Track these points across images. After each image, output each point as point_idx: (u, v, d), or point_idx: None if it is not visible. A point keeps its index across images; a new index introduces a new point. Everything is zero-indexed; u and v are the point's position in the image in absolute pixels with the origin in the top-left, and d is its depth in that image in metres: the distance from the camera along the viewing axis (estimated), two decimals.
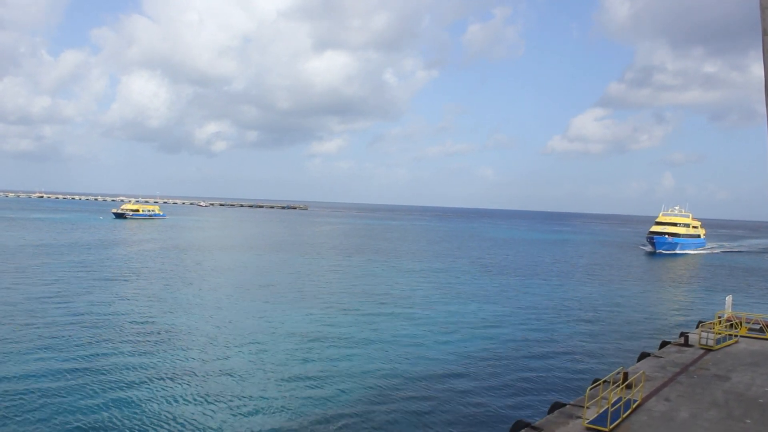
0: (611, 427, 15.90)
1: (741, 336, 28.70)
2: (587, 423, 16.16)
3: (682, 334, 29.29)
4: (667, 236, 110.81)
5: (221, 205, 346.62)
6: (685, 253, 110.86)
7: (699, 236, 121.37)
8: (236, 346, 30.01)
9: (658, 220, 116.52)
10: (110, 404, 21.05)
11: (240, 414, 20.76)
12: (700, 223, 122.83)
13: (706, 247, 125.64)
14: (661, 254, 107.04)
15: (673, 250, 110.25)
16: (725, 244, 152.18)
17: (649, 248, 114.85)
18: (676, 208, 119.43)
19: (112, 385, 23.15)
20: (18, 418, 19.45)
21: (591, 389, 18.17)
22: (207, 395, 22.52)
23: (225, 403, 21.81)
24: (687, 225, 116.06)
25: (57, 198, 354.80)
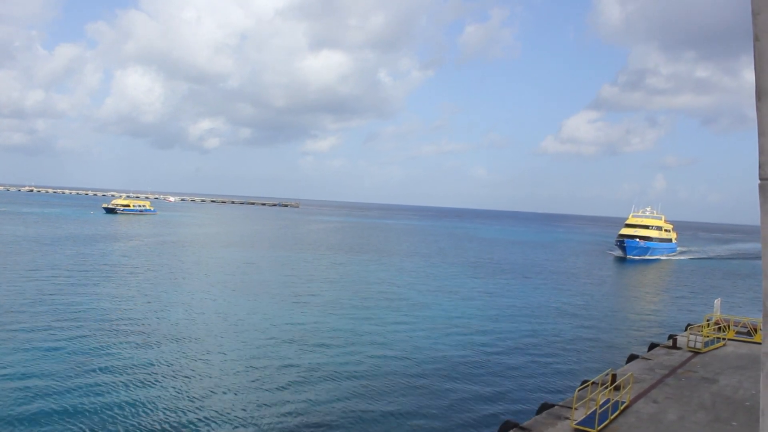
0: (599, 428, 15.96)
1: (729, 339, 28.90)
2: (575, 424, 16.22)
3: (670, 337, 29.46)
4: (638, 240, 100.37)
5: (212, 201, 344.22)
6: (658, 259, 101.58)
7: (671, 240, 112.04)
8: (225, 344, 29.90)
9: (628, 222, 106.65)
10: (95, 401, 20.92)
11: (229, 413, 20.69)
12: (672, 226, 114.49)
13: (677, 251, 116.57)
14: (632, 260, 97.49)
15: (644, 255, 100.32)
16: (698, 249, 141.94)
17: (618, 253, 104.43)
18: (648, 209, 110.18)
19: (98, 381, 23.01)
20: (6, 417, 19.30)
21: (579, 390, 18.24)
22: (194, 393, 22.42)
23: (214, 401, 21.73)
24: (659, 228, 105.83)
25: (47, 192, 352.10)
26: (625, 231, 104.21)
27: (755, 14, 3.07)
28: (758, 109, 3.14)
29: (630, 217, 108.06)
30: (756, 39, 3.07)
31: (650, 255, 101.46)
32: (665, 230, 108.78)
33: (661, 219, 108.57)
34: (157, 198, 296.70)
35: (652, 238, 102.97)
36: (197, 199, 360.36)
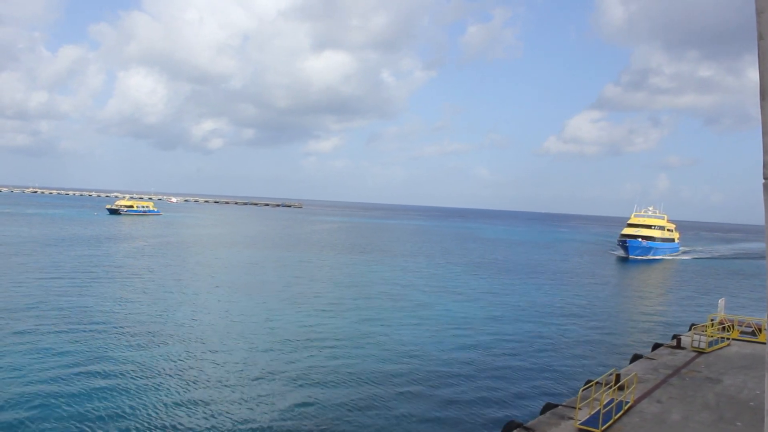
0: (603, 428, 15.94)
1: (733, 339, 28.82)
2: (579, 424, 16.20)
3: (674, 337, 29.42)
4: (641, 240, 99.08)
5: (216, 202, 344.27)
6: (660, 259, 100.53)
7: (673, 240, 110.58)
8: (230, 344, 29.94)
9: (630, 221, 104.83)
10: (101, 401, 20.98)
11: (230, 413, 20.72)
12: (674, 225, 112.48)
13: (680, 251, 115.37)
14: (634, 260, 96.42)
15: (647, 255, 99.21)
16: (701, 248, 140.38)
17: (620, 253, 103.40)
18: (650, 208, 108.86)
19: (103, 382, 23.07)
20: (13, 417, 19.36)
21: (583, 390, 18.22)
22: (200, 393, 22.46)
23: (221, 401, 21.76)
24: (662, 228, 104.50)
25: (51, 193, 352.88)
26: (627, 231, 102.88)
27: (759, 12, 3.07)
28: (762, 108, 3.14)
29: (632, 216, 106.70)
30: (760, 38, 3.07)
31: (653, 255, 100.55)
32: (668, 230, 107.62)
33: (663, 219, 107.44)
34: (160, 199, 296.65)
35: (655, 238, 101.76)
36: (200, 200, 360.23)
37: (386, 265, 70.21)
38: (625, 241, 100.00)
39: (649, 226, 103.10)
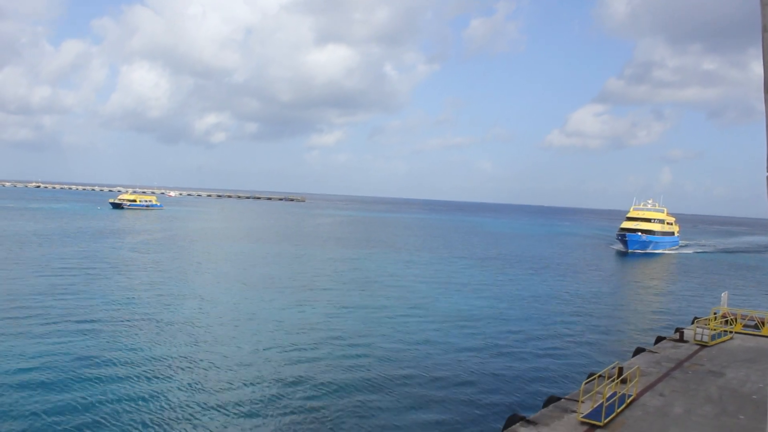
0: (606, 421, 15.96)
1: (736, 332, 28.82)
2: (582, 417, 16.22)
3: (677, 330, 29.40)
4: (640, 233, 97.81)
5: (218, 196, 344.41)
6: (660, 253, 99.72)
7: (673, 233, 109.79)
8: (237, 336, 30.02)
9: (629, 215, 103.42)
10: (100, 399, 21.06)
11: (233, 411, 20.79)
12: (674, 219, 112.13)
13: (680, 245, 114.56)
14: (634, 254, 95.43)
15: (646, 249, 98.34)
16: (702, 242, 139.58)
17: (619, 247, 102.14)
18: (649, 201, 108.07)
19: (102, 378, 23.16)
20: (11, 414, 19.46)
21: (586, 383, 18.26)
22: (200, 389, 22.53)
23: (226, 394, 21.84)
24: (662, 221, 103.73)
25: (54, 188, 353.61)
26: (626, 224, 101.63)
27: (764, 5, 3.05)
28: (766, 101, 3.13)
29: (631, 210, 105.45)
30: (764, 30, 3.05)
31: (652, 249, 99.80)
32: (667, 223, 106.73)
33: (662, 212, 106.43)
34: (162, 193, 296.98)
35: (654, 231, 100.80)
36: (203, 194, 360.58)
37: (389, 259, 70.24)
38: (624, 235, 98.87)
39: (648, 220, 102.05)
